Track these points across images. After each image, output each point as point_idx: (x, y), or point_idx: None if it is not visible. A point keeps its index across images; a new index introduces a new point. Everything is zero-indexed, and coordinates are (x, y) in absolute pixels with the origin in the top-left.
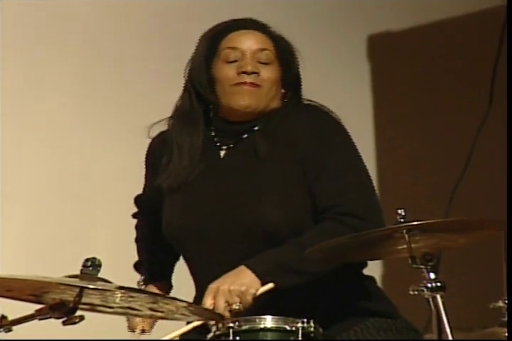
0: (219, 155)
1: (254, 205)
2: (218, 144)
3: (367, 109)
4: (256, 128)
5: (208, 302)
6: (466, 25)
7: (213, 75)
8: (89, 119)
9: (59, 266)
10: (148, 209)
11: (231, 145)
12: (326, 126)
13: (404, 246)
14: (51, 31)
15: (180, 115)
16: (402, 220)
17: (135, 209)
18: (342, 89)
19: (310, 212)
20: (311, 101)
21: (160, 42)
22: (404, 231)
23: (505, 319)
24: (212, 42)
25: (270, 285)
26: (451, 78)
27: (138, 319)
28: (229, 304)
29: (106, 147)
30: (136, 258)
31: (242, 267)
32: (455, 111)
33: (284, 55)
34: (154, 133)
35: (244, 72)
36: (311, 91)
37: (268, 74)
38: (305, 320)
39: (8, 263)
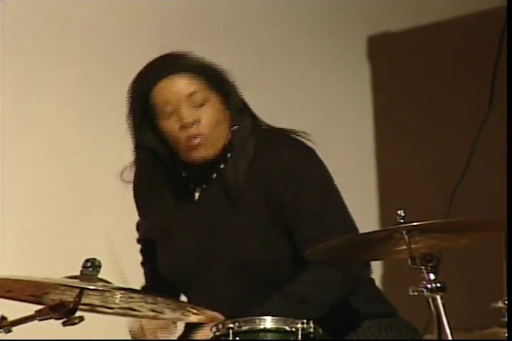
0: (194, 197)
1: (233, 250)
2: (192, 186)
3: (367, 109)
4: (222, 166)
5: None
6: (466, 26)
7: (159, 131)
8: (89, 120)
9: (59, 267)
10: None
11: (204, 187)
12: (296, 160)
13: (404, 246)
14: (51, 32)
15: (143, 167)
16: (401, 221)
17: (135, 211)
18: (342, 90)
19: (288, 247)
20: (261, 123)
21: (161, 44)
22: (404, 231)
23: (505, 319)
24: (140, 99)
25: None
26: (451, 79)
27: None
28: None
29: (106, 148)
30: (135, 259)
31: None
32: (455, 111)
33: (218, 85)
34: (127, 176)
35: (184, 125)
36: (311, 91)
37: (207, 117)
38: (305, 320)
39: (8, 264)
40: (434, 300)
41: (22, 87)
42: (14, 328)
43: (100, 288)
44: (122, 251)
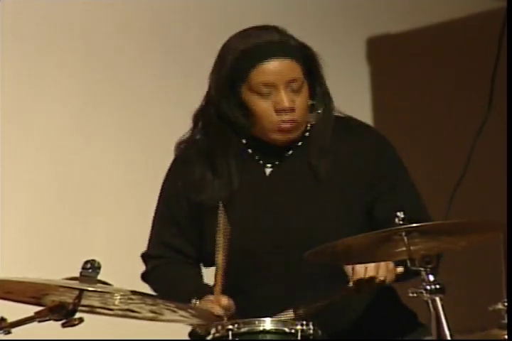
0: (264, 173)
1: (313, 226)
2: (261, 162)
3: (366, 111)
4: (299, 144)
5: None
6: (466, 28)
7: (244, 103)
8: (88, 125)
9: (58, 269)
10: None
11: (276, 163)
12: (383, 144)
13: (404, 248)
14: (50, 35)
15: (207, 132)
16: (401, 222)
17: (134, 214)
18: (341, 92)
19: (365, 227)
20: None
21: (160, 48)
22: (403, 233)
23: (505, 321)
24: (238, 68)
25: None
26: (451, 81)
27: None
28: (376, 277)
29: (105, 152)
30: (135, 262)
31: None
32: (454, 113)
33: (312, 71)
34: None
35: (282, 110)
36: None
37: (302, 103)
38: (304, 322)
39: (8, 265)
40: (434, 301)
41: (21, 92)
42: (14, 329)
43: (100, 290)
44: (122, 252)
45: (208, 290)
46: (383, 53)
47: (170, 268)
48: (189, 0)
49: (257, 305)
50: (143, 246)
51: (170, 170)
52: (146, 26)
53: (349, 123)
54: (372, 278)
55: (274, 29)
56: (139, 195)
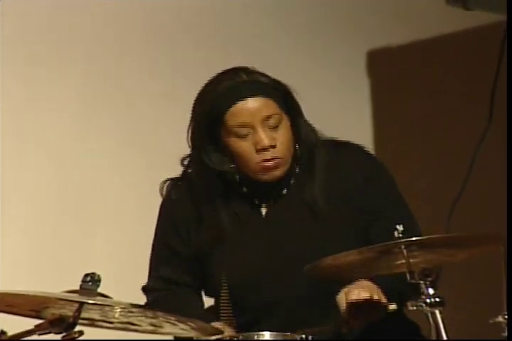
0: (260, 213)
1: (314, 255)
2: (256, 202)
3: (366, 123)
4: (292, 181)
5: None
6: (466, 41)
7: (225, 147)
8: (89, 130)
9: (58, 282)
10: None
11: (272, 203)
12: (374, 172)
13: (403, 261)
14: (50, 41)
15: (195, 175)
16: (400, 236)
17: (135, 224)
18: (341, 105)
19: None
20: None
21: (160, 55)
22: (403, 246)
23: (505, 334)
24: (213, 113)
25: (394, 307)
26: (451, 93)
27: None
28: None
29: (106, 158)
30: (135, 275)
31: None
32: (455, 126)
33: (287, 105)
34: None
35: (262, 149)
36: (310, 107)
37: (282, 140)
38: (303, 335)
39: (8, 278)
40: (433, 314)
41: (21, 95)
42: None
43: (100, 303)
44: (122, 265)
45: (209, 317)
46: (383, 66)
47: (170, 299)
48: (189, 8)
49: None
50: (144, 259)
51: (162, 206)
52: (146, 32)
53: (336, 148)
54: (366, 301)
55: (244, 70)
56: (141, 205)
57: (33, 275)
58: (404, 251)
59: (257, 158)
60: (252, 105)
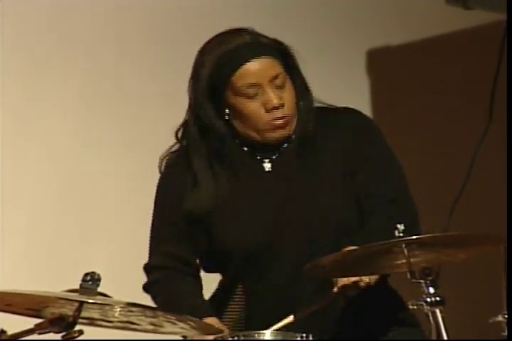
0: (263, 168)
1: (322, 208)
2: (259, 158)
3: None
4: (293, 137)
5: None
6: (466, 40)
7: (230, 107)
8: (89, 130)
9: (58, 281)
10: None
11: (274, 158)
12: (367, 126)
13: (404, 260)
14: (51, 44)
15: (190, 144)
16: (401, 235)
17: (135, 226)
18: (341, 104)
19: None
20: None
21: (160, 55)
22: (403, 245)
23: (505, 333)
24: (218, 74)
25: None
26: (451, 93)
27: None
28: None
29: (106, 158)
30: (135, 274)
31: None
32: (455, 125)
33: (291, 66)
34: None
35: (272, 108)
36: None
37: (289, 98)
38: (304, 334)
39: (8, 277)
40: (434, 314)
41: (22, 97)
42: None
43: (99, 302)
44: (122, 264)
45: (206, 309)
46: (383, 65)
47: (170, 283)
48: (189, 8)
49: (267, 293)
50: (143, 258)
51: (159, 184)
52: (146, 32)
53: (334, 109)
54: (356, 282)
55: (245, 31)
56: (141, 205)
57: (32, 274)
58: (405, 250)
59: (266, 117)
60: (258, 65)
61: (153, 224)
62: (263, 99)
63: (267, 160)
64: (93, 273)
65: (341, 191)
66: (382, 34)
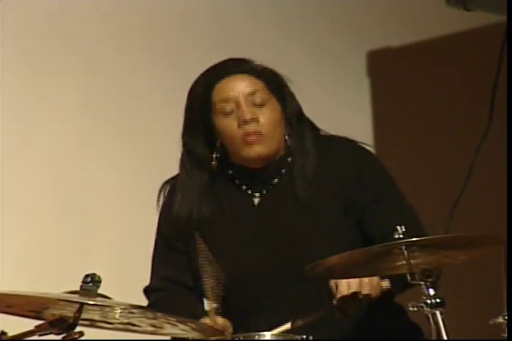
0: (252, 202)
1: (309, 254)
2: (249, 192)
3: (367, 125)
4: (283, 171)
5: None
6: (466, 42)
7: (216, 129)
8: (89, 130)
9: (59, 282)
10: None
11: (264, 192)
12: (364, 162)
13: (404, 262)
14: (51, 45)
15: (189, 166)
16: (401, 236)
17: (135, 224)
18: (341, 106)
19: (356, 239)
20: (317, 129)
21: (160, 55)
22: (404, 247)
23: (505, 335)
24: (203, 96)
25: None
26: (451, 94)
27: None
28: (360, 292)
29: (105, 158)
30: (136, 276)
31: None
32: (455, 127)
33: (277, 89)
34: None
35: (243, 122)
36: (311, 108)
37: (266, 117)
38: (304, 336)
39: (8, 279)
40: (434, 315)
41: (22, 100)
42: None
43: (100, 303)
44: (122, 265)
45: (205, 314)
46: (383, 67)
47: (169, 299)
48: (189, 8)
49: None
50: (143, 260)
51: (162, 210)
52: (146, 32)
53: (329, 141)
54: (355, 294)
55: (237, 59)
56: (141, 206)
57: (33, 276)
58: (405, 252)
59: (238, 132)
60: (235, 81)
61: (155, 249)
62: (237, 115)
63: (257, 195)
64: (93, 274)
65: (337, 225)
66: (382, 35)
